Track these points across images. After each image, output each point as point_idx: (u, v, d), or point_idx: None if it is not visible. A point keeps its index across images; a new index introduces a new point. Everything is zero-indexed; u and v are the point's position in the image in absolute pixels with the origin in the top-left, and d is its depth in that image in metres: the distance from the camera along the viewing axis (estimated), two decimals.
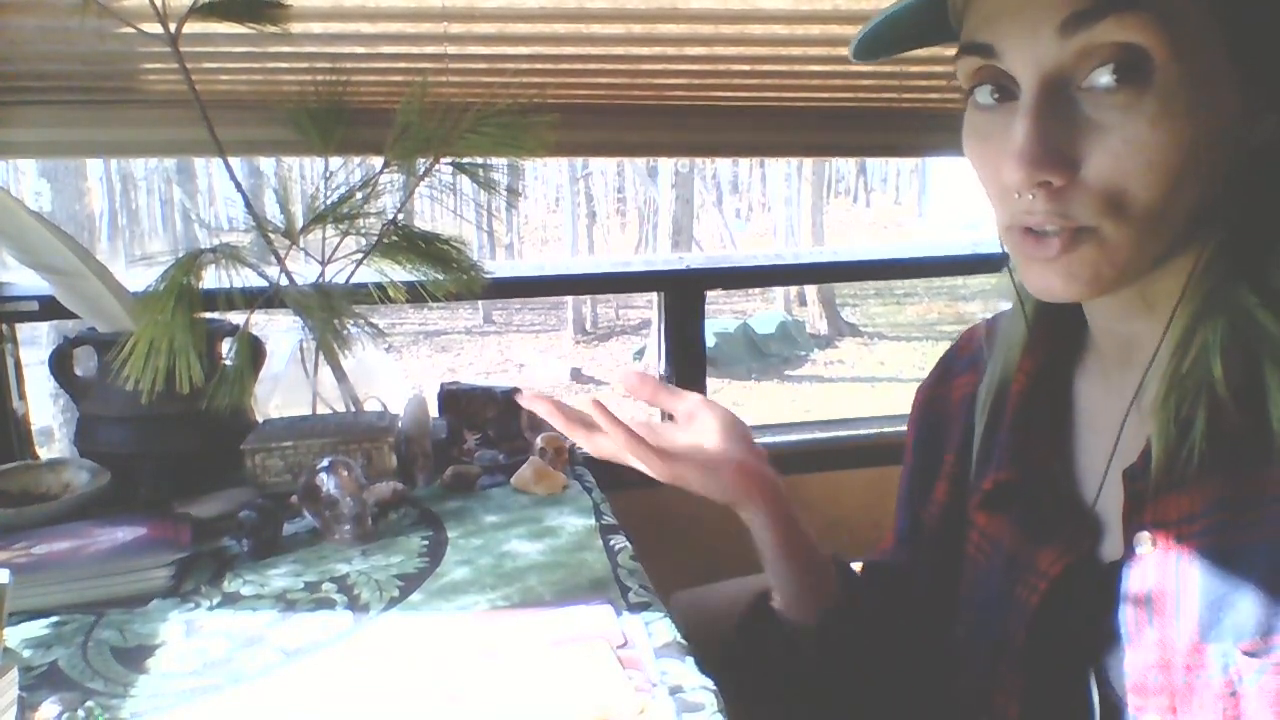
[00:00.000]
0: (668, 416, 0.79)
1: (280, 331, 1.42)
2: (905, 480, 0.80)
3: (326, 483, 0.98)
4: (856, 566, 1.26)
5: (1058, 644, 0.60)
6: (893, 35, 0.58)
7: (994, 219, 0.56)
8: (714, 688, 0.69)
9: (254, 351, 1.20)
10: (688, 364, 1.63)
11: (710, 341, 8.11)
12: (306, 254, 1.25)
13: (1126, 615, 0.56)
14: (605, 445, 0.70)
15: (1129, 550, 0.56)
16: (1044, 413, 0.65)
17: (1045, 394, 0.66)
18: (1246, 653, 0.50)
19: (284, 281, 1.23)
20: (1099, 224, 0.50)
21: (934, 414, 0.77)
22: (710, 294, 1.73)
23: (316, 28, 1.27)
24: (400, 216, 1.29)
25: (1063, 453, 0.64)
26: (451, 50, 1.32)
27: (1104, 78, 0.48)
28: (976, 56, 0.52)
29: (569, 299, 11.40)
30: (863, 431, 1.77)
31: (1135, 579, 0.55)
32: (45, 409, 4.48)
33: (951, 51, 0.55)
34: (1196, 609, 0.52)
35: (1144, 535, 0.55)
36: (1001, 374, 0.67)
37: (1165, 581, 0.54)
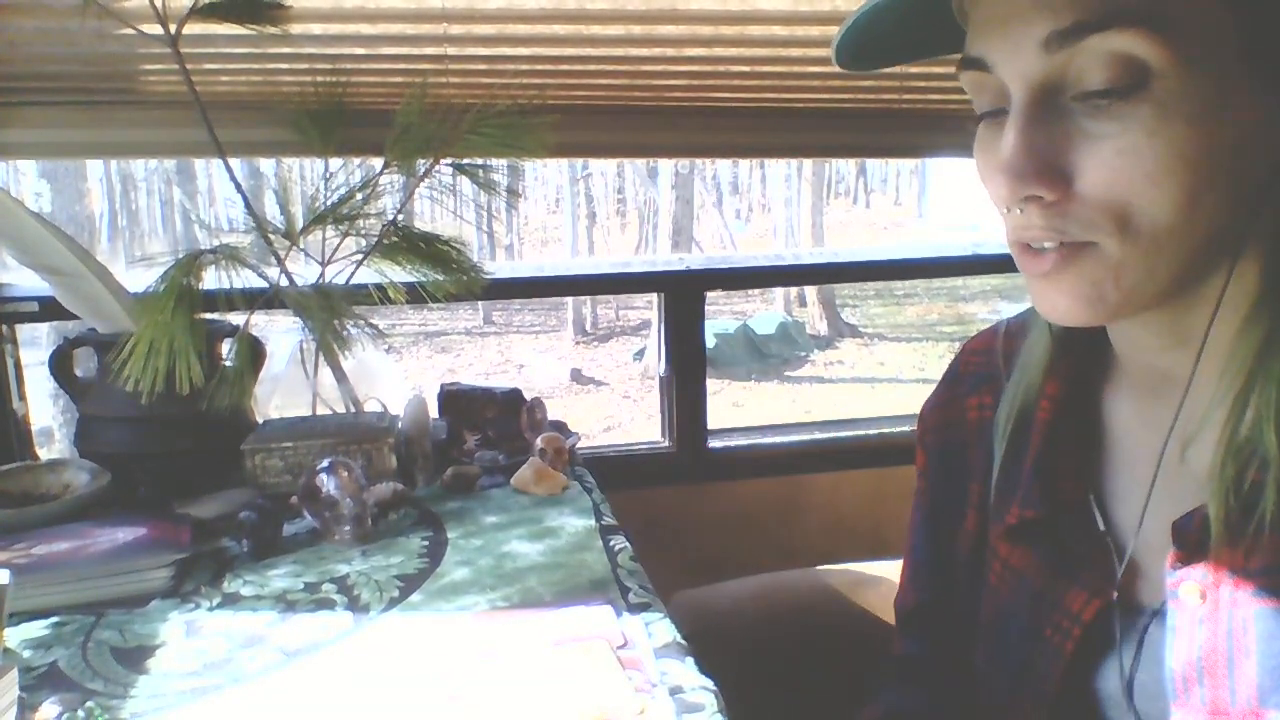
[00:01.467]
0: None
1: (280, 332, 1.42)
2: (923, 513, 0.74)
3: (326, 483, 0.98)
4: (858, 567, 1.26)
5: (1089, 689, 0.58)
6: (883, 41, 0.55)
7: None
8: (714, 688, 0.69)
9: (254, 352, 1.20)
10: (688, 365, 1.63)
11: (710, 342, 8.11)
12: (306, 255, 1.25)
13: (1172, 670, 0.53)
14: None
15: (1173, 600, 0.53)
16: (1071, 441, 0.62)
17: (1072, 420, 0.62)
18: None
19: (284, 282, 1.23)
20: (1099, 239, 0.48)
21: (950, 439, 0.71)
22: (710, 295, 1.73)
23: (316, 28, 1.28)
24: (400, 217, 1.29)
25: (1092, 484, 0.61)
26: (451, 51, 1.32)
27: (1095, 86, 0.46)
28: (973, 70, 0.51)
29: (569, 300, 11.40)
30: (863, 432, 1.78)
31: (1182, 633, 0.53)
32: (45, 409, 4.49)
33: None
34: (1255, 673, 0.50)
35: (1191, 587, 0.53)
36: (1024, 396, 0.64)
37: (1217, 640, 0.51)
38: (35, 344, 3.23)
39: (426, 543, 0.99)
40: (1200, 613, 0.52)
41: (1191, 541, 0.53)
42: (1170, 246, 0.48)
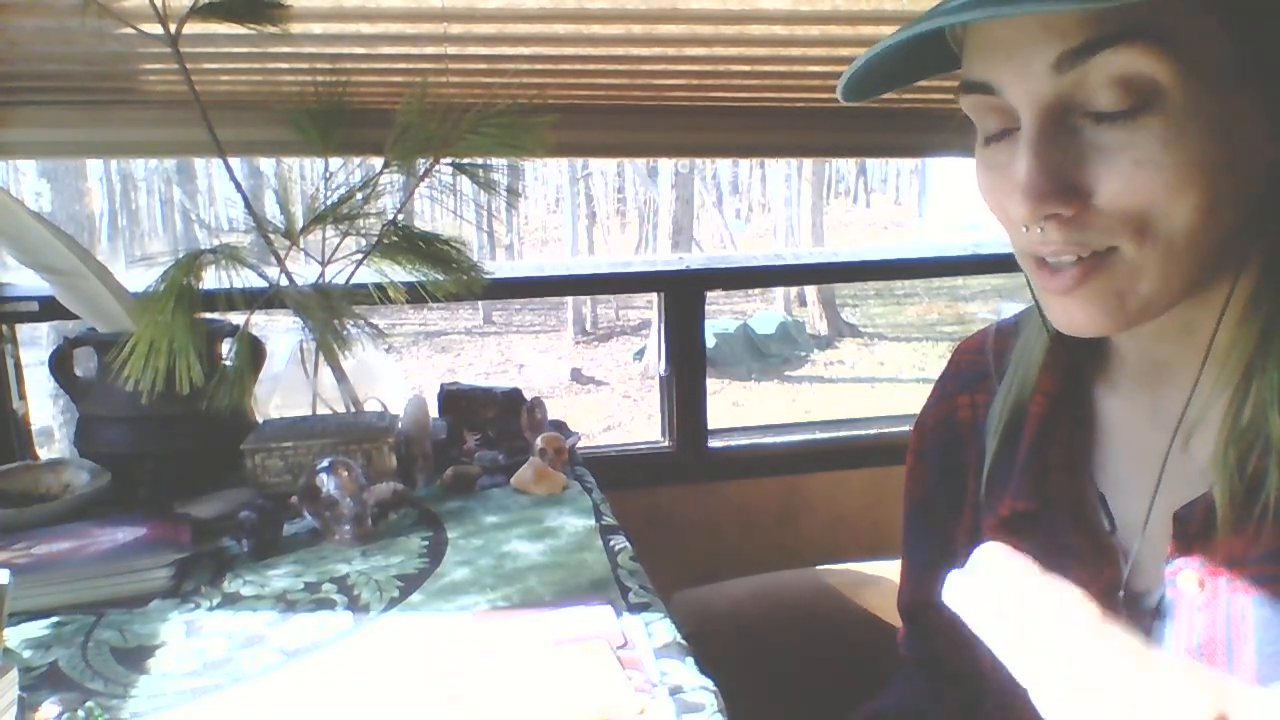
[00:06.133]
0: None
1: (280, 332, 1.42)
2: (917, 512, 0.75)
3: (326, 483, 0.98)
4: (857, 567, 1.26)
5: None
6: (884, 72, 0.55)
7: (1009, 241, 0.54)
8: (714, 688, 0.69)
9: (254, 352, 1.20)
10: (688, 364, 1.63)
11: (710, 342, 8.11)
12: (306, 254, 1.26)
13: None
14: None
15: (1171, 589, 0.54)
16: (1064, 434, 0.62)
17: (1065, 413, 0.63)
18: None
19: (284, 282, 1.23)
20: (1119, 244, 0.49)
21: (944, 438, 0.72)
22: (710, 294, 1.73)
23: (316, 28, 1.27)
24: (400, 217, 1.29)
25: (1085, 477, 0.62)
26: (451, 51, 1.32)
27: (1106, 103, 0.47)
28: (977, 93, 0.51)
29: (569, 299, 11.40)
30: (863, 431, 1.78)
31: (1181, 622, 0.53)
32: (45, 409, 4.48)
33: None
34: (1253, 659, 0.50)
35: (1190, 575, 0.53)
36: (1019, 391, 0.65)
37: (1216, 628, 0.52)
38: (35, 344, 3.23)
39: (426, 543, 0.99)
40: (1198, 601, 0.53)
41: (1192, 531, 0.53)
42: (1187, 251, 0.48)
